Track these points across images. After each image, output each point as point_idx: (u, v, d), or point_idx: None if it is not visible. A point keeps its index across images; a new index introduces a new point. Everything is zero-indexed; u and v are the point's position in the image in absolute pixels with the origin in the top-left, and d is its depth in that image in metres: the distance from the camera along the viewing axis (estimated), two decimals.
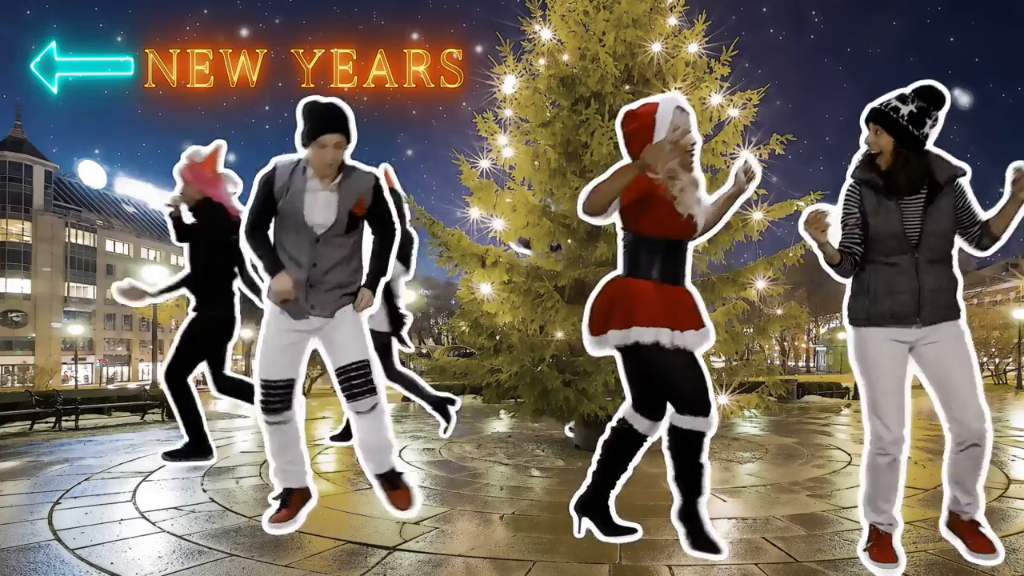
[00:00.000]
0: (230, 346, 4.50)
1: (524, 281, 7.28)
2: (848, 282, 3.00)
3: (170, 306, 53.45)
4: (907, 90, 2.87)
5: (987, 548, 2.88)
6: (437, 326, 58.61)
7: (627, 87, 7.56)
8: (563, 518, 4.50)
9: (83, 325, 57.27)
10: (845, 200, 2.97)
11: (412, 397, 5.24)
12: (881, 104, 2.89)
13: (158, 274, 22.97)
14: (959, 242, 2.90)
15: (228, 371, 4.53)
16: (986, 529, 2.92)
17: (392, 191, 4.98)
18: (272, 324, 3.27)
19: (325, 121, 3.12)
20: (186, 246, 4.35)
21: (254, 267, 3.89)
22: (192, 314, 4.34)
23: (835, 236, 2.97)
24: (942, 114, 2.86)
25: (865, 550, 3.01)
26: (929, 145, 2.87)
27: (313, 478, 3.57)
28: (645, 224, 2.94)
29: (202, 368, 4.47)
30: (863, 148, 2.97)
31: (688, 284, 3.04)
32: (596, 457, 3.25)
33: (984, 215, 2.88)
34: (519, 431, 9.15)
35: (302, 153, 3.20)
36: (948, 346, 2.84)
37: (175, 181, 4.37)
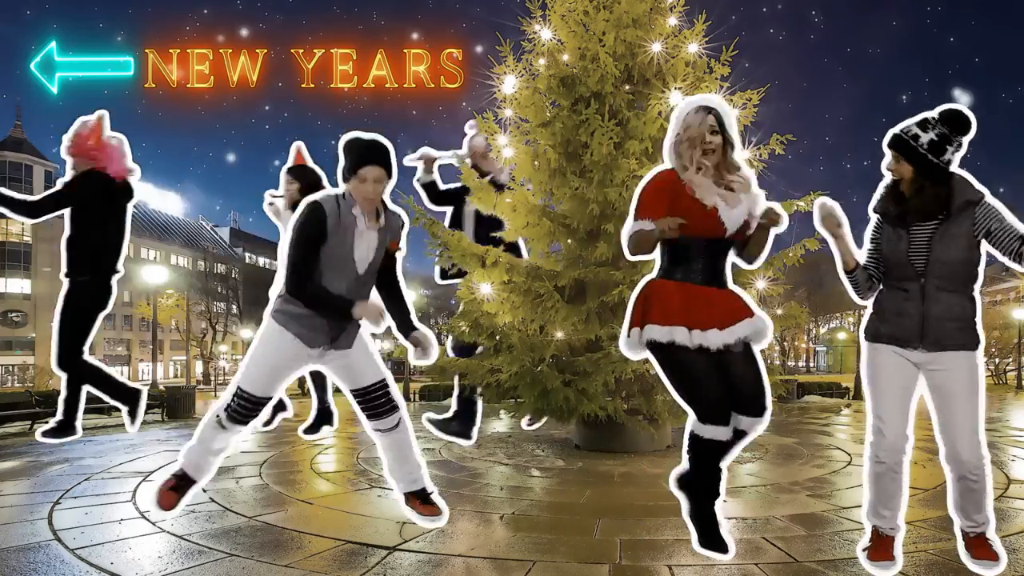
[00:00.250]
0: (100, 316, 4.51)
1: (524, 281, 7.27)
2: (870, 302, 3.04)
3: (170, 306, 53.46)
4: (932, 114, 2.84)
5: (989, 555, 2.89)
6: (437, 326, 58.61)
7: (627, 87, 7.56)
8: (563, 518, 4.51)
9: None
10: (871, 231, 3.03)
11: (313, 388, 5.32)
12: (902, 131, 2.86)
13: (158, 274, 22.96)
14: (1008, 262, 2.84)
15: (87, 347, 4.56)
16: (994, 542, 2.93)
17: (308, 168, 5.03)
18: (278, 344, 3.24)
19: (366, 155, 3.12)
20: (66, 212, 4.33)
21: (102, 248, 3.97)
22: (64, 282, 4.36)
23: (854, 246, 3.00)
24: (966, 139, 2.81)
25: (864, 550, 3.02)
26: (954, 168, 2.83)
27: (313, 478, 3.57)
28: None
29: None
30: (886, 176, 2.94)
31: (728, 285, 3.05)
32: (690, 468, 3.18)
33: None
34: (519, 431, 9.14)
35: (339, 188, 3.21)
36: (955, 376, 2.83)
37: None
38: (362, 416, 3.38)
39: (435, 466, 6.49)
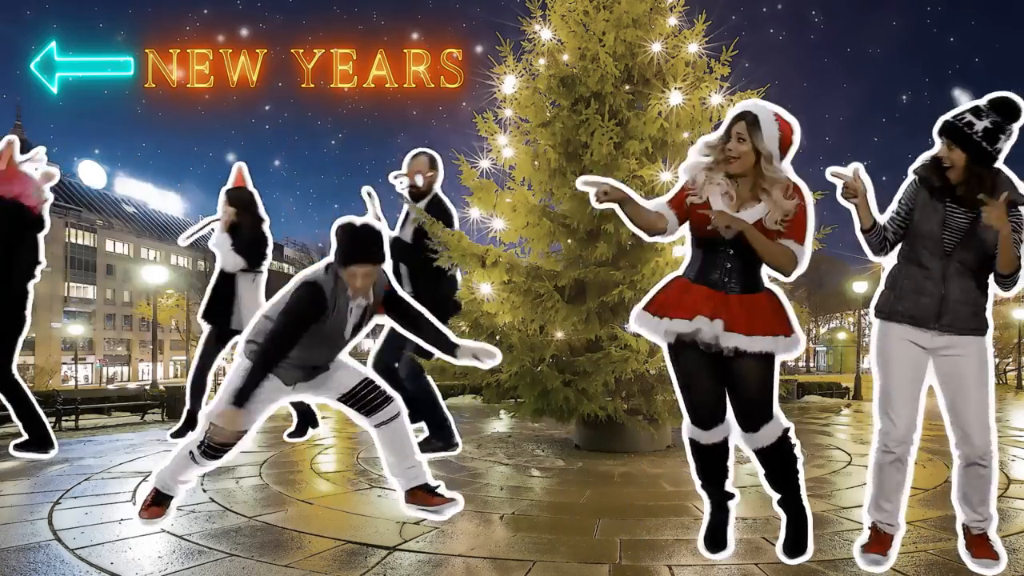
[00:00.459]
0: (19, 341, 4.53)
1: (524, 281, 7.27)
2: (883, 276, 3.01)
3: (170, 306, 53.45)
4: (982, 102, 2.79)
5: (989, 555, 2.89)
6: None
7: (627, 87, 7.57)
8: (563, 518, 4.51)
9: (83, 325, 57.26)
10: (903, 191, 2.96)
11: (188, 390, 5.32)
12: (955, 118, 2.81)
13: (158, 274, 22.97)
14: (992, 277, 2.84)
15: (14, 370, 4.60)
16: (994, 542, 2.93)
17: (245, 191, 5.05)
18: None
19: (355, 254, 3.15)
20: None
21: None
22: None
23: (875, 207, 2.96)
24: (1016, 127, 2.78)
25: (862, 547, 3.02)
26: (1000, 163, 2.80)
27: (313, 478, 3.57)
28: (690, 224, 3.01)
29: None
30: (927, 155, 2.90)
31: (747, 290, 2.91)
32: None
33: None
34: (519, 431, 9.14)
35: (328, 260, 3.28)
36: (967, 362, 2.82)
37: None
38: (359, 417, 3.39)
39: (435, 466, 6.48)
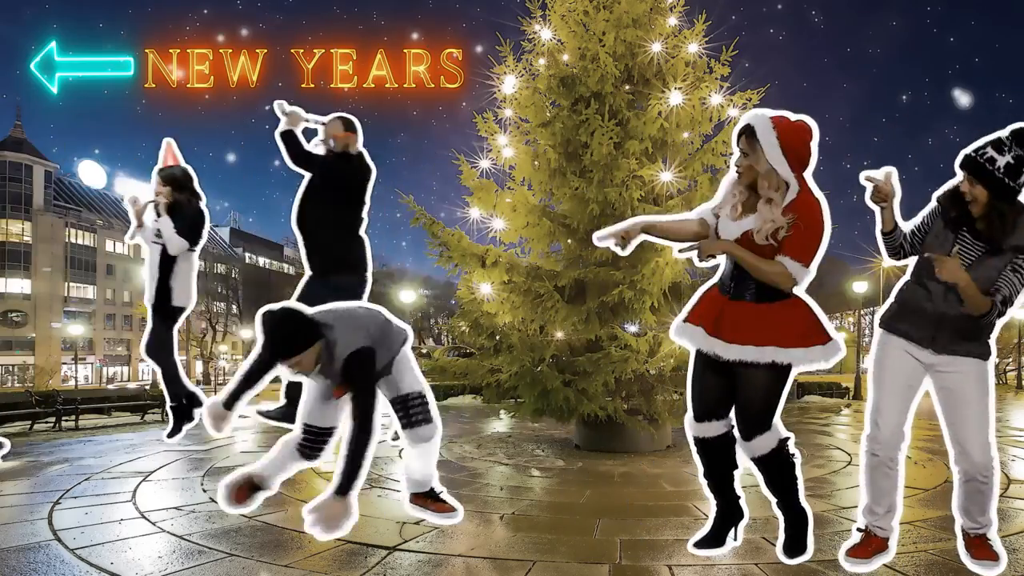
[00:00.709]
0: None
1: (524, 281, 7.28)
2: (894, 290, 3.01)
3: None
4: (1004, 133, 2.70)
5: (989, 556, 2.89)
6: (437, 326, 58.61)
7: (627, 87, 7.57)
8: (563, 518, 4.51)
9: (83, 325, 57.24)
10: (925, 213, 2.95)
11: (162, 386, 5.27)
12: (976, 152, 2.71)
13: None
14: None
15: None
16: (994, 542, 2.93)
17: (177, 169, 5.00)
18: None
19: (273, 350, 3.03)
20: None
21: None
22: None
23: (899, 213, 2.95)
24: None
25: (847, 550, 3.02)
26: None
27: (313, 478, 3.57)
28: None
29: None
30: (951, 184, 2.85)
31: (761, 299, 2.83)
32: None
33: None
34: (519, 431, 9.15)
35: None
36: (964, 380, 2.81)
37: None
38: (397, 424, 3.39)
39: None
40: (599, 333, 7.06)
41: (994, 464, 2.85)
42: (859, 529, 3.03)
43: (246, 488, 3.34)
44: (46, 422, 11.08)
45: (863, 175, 2.95)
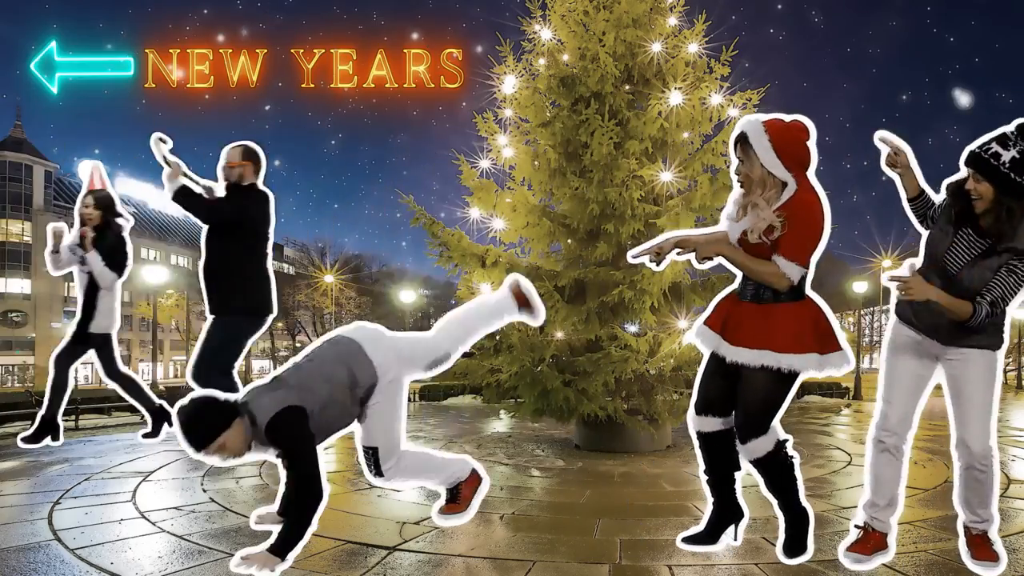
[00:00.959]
0: None
1: None
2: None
3: (170, 306, 53.42)
4: (1010, 128, 2.66)
5: (989, 556, 2.89)
6: None
7: (627, 87, 7.57)
8: (563, 518, 4.51)
9: None
10: (941, 202, 2.92)
11: (129, 399, 5.29)
12: (981, 148, 2.69)
13: (158, 274, 22.96)
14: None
15: None
16: (994, 542, 2.93)
17: (106, 193, 5.03)
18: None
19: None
20: None
21: None
22: None
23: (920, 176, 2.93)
24: None
25: (847, 547, 3.03)
26: None
27: None
28: None
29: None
30: (957, 177, 2.81)
31: (770, 301, 2.81)
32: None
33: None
34: (519, 431, 9.15)
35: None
36: (971, 370, 2.81)
37: None
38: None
39: None
40: (599, 333, 7.06)
41: (992, 454, 2.85)
42: (857, 526, 3.04)
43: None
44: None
45: (877, 135, 2.94)
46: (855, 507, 3.24)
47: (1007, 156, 2.61)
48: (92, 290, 5.02)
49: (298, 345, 51.97)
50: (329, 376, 2.95)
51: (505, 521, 4.38)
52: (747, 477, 3.05)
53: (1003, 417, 12.23)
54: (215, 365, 4.42)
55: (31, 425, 5.23)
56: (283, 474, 3.14)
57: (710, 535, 3.10)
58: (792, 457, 2.98)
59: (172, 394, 13.94)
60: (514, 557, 3.60)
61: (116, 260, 4.97)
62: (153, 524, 4.18)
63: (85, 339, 5.07)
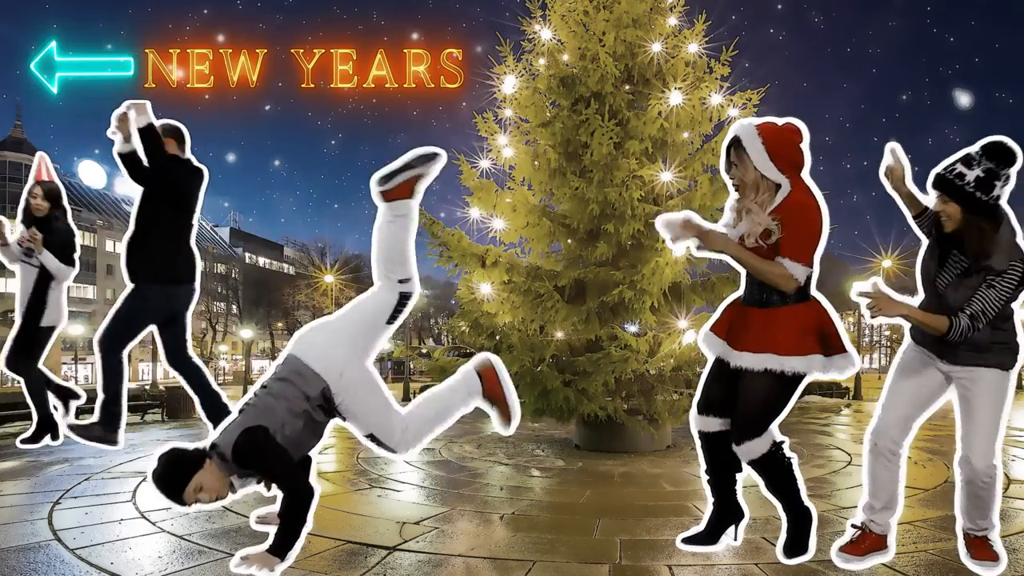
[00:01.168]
0: None
1: (524, 281, 7.28)
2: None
3: None
4: (974, 149, 2.69)
5: (989, 556, 2.89)
6: (437, 326, 58.60)
7: (627, 87, 7.57)
8: (563, 518, 4.51)
9: (83, 325, 57.22)
10: (927, 223, 2.93)
11: (28, 398, 5.33)
12: (945, 170, 2.71)
13: None
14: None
15: None
16: (994, 542, 2.93)
17: (55, 185, 5.05)
18: None
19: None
20: None
21: None
22: None
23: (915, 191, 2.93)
24: (1014, 171, 2.67)
25: (840, 547, 3.02)
26: (1005, 204, 2.71)
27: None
28: None
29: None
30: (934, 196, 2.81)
31: (771, 304, 2.81)
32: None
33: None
34: (519, 431, 9.12)
35: None
36: (980, 389, 2.81)
37: None
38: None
39: (435, 466, 6.49)
40: (599, 333, 7.06)
41: (996, 472, 2.85)
42: (854, 526, 3.04)
43: None
44: None
45: (888, 147, 2.93)
46: (855, 507, 3.24)
47: (971, 176, 2.64)
48: (43, 284, 5.00)
49: None
50: (280, 394, 2.93)
51: (505, 521, 4.38)
52: (747, 477, 3.05)
53: None
54: (122, 334, 4.51)
55: (31, 425, 5.23)
56: None
57: (710, 535, 3.10)
58: (790, 458, 2.98)
59: (171, 394, 13.94)
60: (514, 557, 3.60)
61: (67, 253, 5.00)
62: (153, 524, 4.19)
63: (37, 333, 5.05)
